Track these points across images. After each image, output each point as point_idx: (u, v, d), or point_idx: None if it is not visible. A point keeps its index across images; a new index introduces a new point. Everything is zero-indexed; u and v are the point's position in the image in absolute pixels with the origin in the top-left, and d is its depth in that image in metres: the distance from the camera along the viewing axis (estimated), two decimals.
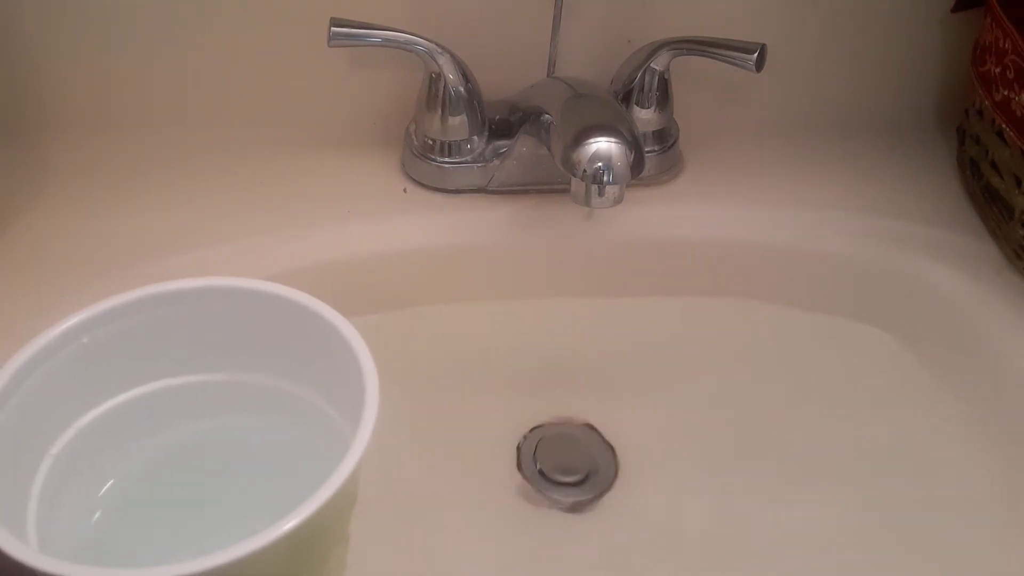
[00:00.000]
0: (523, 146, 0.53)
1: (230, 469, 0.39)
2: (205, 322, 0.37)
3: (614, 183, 0.46)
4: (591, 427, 0.51)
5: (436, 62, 0.51)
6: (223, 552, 0.28)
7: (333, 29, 0.49)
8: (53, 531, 0.34)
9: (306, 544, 0.31)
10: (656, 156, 0.55)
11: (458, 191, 0.54)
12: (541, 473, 0.49)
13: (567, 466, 0.49)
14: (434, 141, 0.53)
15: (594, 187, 0.46)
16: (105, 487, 0.37)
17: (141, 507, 0.37)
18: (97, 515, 0.36)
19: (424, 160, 0.54)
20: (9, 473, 0.33)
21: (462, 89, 0.52)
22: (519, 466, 0.49)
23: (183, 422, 0.39)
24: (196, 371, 0.38)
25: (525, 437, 0.51)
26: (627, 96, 0.54)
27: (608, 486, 0.49)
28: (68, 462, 0.35)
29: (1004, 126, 0.50)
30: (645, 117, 0.54)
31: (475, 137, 0.53)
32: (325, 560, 0.34)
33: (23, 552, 0.28)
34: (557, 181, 0.54)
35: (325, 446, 0.35)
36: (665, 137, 0.56)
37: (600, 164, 0.45)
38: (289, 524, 0.29)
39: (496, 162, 0.54)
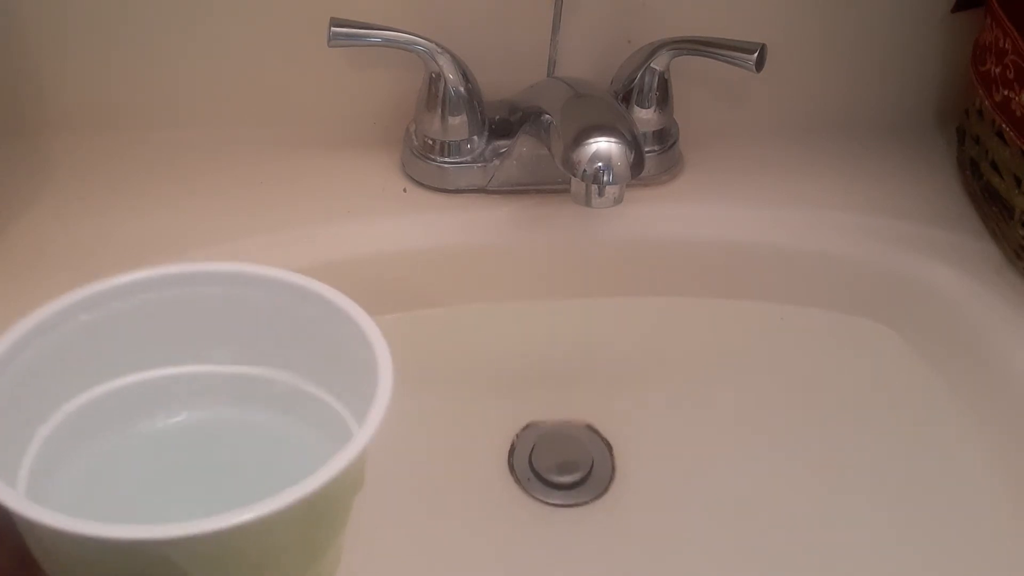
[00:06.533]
0: (523, 146, 0.53)
1: (232, 461, 0.38)
2: (215, 309, 0.36)
3: (614, 183, 0.46)
4: (590, 427, 0.51)
5: (436, 62, 0.51)
6: (223, 516, 0.27)
7: (333, 29, 0.49)
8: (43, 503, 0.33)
9: (313, 520, 0.31)
10: (656, 156, 0.55)
11: (458, 191, 0.54)
12: (538, 472, 0.49)
13: (565, 466, 0.49)
14: (434, 141, 0.53)
15: (594, 187, 0.46)
16: (96, 469, 0.37)
17: (135, 490, 0.37)
18: (86, 494, 0.36)
19: (424, 160, 0.54)
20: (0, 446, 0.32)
21: (462, 89, 0.52)
22: (516, 465, 0.49)
23: (185, 411, 0.38)
24: (203, 361, 0.38)
25: (519, 436, 0.51)
26: (627, 96, 0.54)
27: (606, 486, 0.49)
28: (60, 442, 0.35)
29: (1004, 126, 0.50)
30: (645, 117, 0.54)
31: (475, 137, 0.53)
32: (328, 546, 0.34)
33: (10, 497, 0.28)
34: (557, 181, 0.54)
35: (332, 443, 0.35)
36: (665, 137, 0.56)
37: (600, 164, 0.45)
38: (300, 492, 0.28)
39: (496, 162, 0.54)
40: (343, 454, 0.30)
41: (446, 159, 0.54)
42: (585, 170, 0.45)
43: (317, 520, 0.31)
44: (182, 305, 0.36)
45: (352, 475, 0.31)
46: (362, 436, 0.31)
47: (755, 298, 0.55)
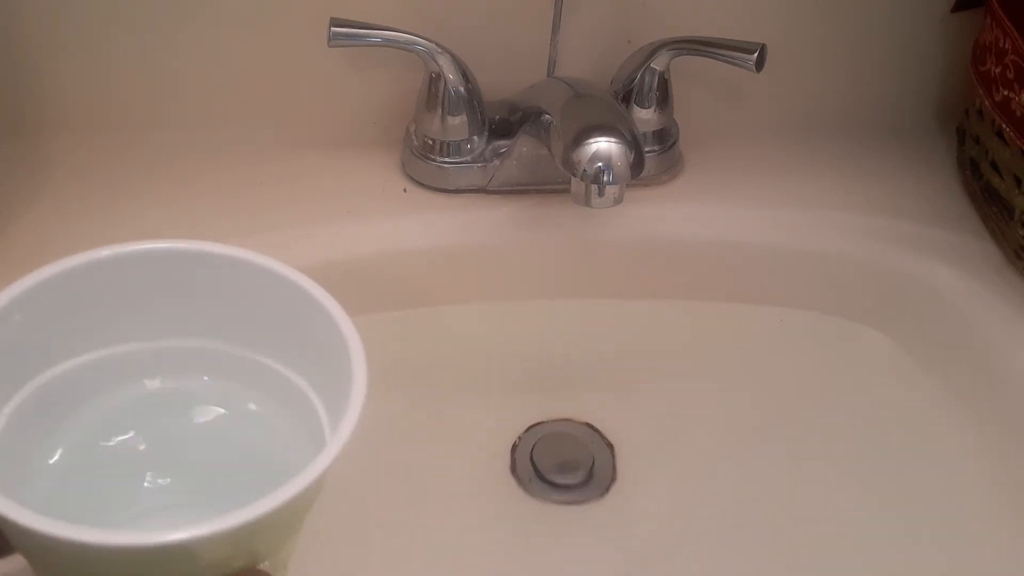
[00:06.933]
0: (523, 146, 0.53)
1: (193, 436, 0.38)
2: (174, 288, 0.36)
3: (614, 183, 0.46)
4: (590, 427, 0.51)
5: (436, 62, 0.51)
6: (185, 529, 0.27)
7: (333, 29, 0.49)
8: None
9: (259, 535, 0.30)
10: (656, 156, 0.55)
11: (458, 191, 0.54)
12: (539, 473, 0.49)
13: (566, 466, 0.49)
14: (434, 141, 0.53)
15: (594, 187, 0.46)
16: (53, 458, 0.36)
17: (90, 477, 0.37)
18: (42, 484, 0.35)
19: (424, 160, 0.54)
20: None
21: (462, 89, 0.52)
22: (518, 465, 0.49)
23: (141, 384, 0.38)
24: (150, 338, 0.37)
25: (521, 437, 0.51)
26: (627, 96, 0.54)
27: (607, 486, 0.49)
28: (8, 439, 0.34)
29: (1004, 126, 0.50)
30: (645, 117, 0.54)
31: (475, 137, 0.53)
32: (280, 548, 0.34)
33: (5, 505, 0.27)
34: (557, 181, 0.54)
35: (296, 428, 0.35)
36: (665, 137, 0.56)
37: (600, 164, 0.45)
38: (244, 517, 0.27)
39: (496, 162, 0.54)
40: (316, 465, 0.29)
41: (446, 159, 0.54)
42: (585, 170, 0.45)
43: (268, 530, 0.31)
44: (124, 284, 0.36)
45: (319, 482, 0.31)
46: (332, 448, 0.30)
47: (755, 297, 0.55)
